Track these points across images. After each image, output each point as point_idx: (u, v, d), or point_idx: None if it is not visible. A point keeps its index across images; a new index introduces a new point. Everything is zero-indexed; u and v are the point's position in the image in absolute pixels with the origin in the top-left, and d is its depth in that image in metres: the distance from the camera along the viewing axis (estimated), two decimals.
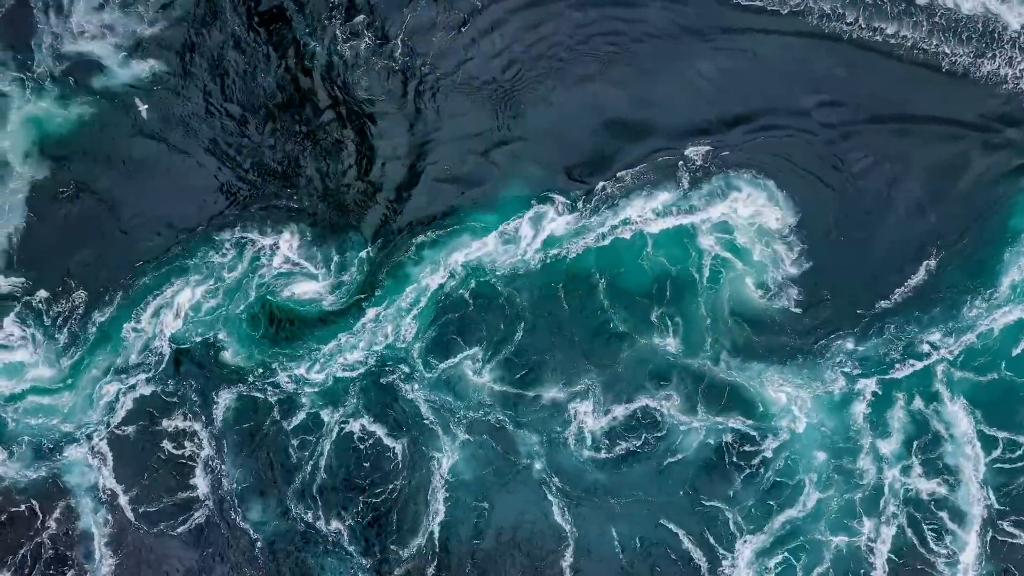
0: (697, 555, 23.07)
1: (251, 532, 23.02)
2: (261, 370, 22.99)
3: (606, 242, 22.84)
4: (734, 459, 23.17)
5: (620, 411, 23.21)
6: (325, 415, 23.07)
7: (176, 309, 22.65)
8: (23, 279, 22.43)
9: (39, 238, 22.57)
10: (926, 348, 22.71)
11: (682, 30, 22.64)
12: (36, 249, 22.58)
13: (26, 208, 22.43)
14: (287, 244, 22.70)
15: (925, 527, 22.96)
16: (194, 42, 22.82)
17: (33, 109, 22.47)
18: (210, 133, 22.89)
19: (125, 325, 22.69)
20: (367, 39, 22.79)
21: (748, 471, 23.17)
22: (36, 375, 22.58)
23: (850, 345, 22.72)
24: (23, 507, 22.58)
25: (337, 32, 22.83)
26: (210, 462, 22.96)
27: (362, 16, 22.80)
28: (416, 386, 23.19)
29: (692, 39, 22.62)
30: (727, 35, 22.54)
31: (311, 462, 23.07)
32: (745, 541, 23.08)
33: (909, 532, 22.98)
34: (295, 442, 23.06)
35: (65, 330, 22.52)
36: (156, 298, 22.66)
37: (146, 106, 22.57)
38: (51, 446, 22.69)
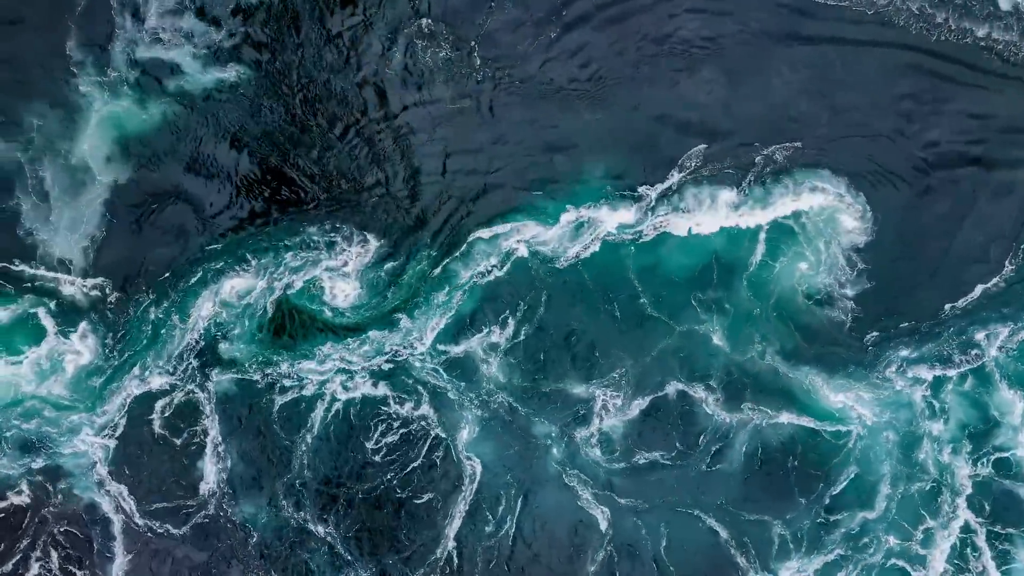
0: (743, 563, 23.07)
1: (251, 528, 22.95)
2: (270, 365, 22.82)
3: (665, 235, 22.75)
4: (779, 463, 23.08)
5: (651, 402, 23.06)
6: (338, 406, 22.90)
7: (216, 305, 22.57)
8: (99, 281, 22.28)
9: (117, 241, 22.41)
10: (989, 350, 22.65)
11: (767, 31, 22.39)
12: (113, 252, 22.42)
13: (105, 210, 22.29)
14: (355, 248, 22.59)
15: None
16: (273, 48, 22.62)
17: (112, 110, 22.26)
18: (287, 137, 22.70)
19: (173, 323, 22.58)
20: (444, 43, 22.55)
21: (798, 478, 23.07)
22: (79, 374, 22.41)
23: (905, 352, 22.65)
24: (22, 506, 22.37)
25: (415, 37, 22.61)
26: (217, 459, 22.76)
27: (440, 21, 22.56)
28: (446, 377, 23.11)
29: (777, 40, 22.38)
30: (813, 35, 22.30)
31: (324, 457, 22.99)
32: (797, 555, 23.04)
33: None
34: (309, 438, 22.93)
35: (122, 331, 22.41)
36: (204, 297, 22.55)
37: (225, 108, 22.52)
38: (53, 444, 22.46)
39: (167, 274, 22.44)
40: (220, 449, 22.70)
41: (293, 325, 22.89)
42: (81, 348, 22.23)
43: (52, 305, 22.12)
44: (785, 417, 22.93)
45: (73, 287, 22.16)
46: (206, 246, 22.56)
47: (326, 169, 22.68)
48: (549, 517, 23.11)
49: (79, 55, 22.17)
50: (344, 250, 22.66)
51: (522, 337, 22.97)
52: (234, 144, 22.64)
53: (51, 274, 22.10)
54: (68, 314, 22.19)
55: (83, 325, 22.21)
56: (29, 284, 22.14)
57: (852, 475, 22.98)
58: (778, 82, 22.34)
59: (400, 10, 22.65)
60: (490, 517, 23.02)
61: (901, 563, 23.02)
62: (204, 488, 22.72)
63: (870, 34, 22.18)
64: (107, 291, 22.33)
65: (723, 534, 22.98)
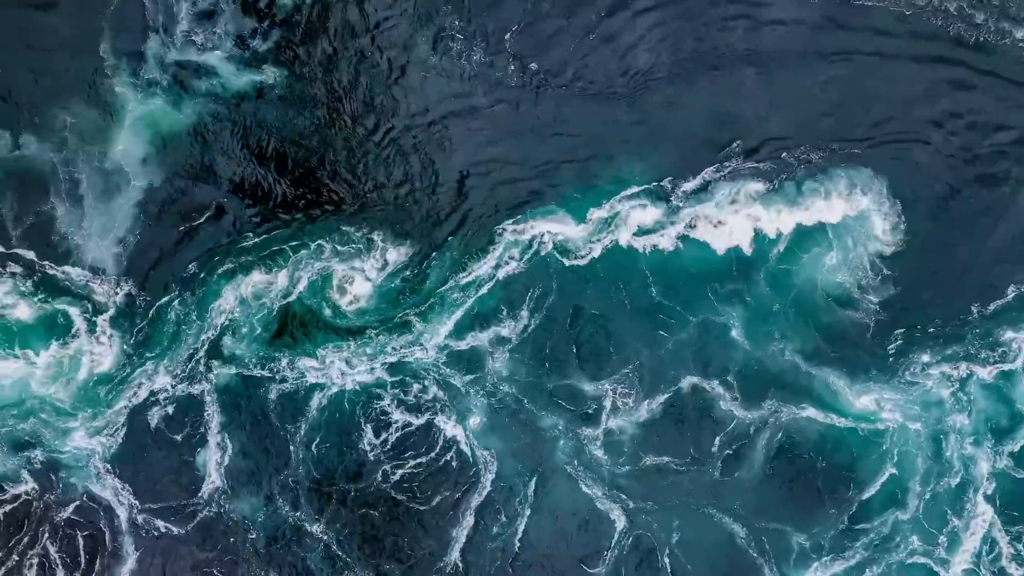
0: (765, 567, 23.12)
1: (251, 526, 22.90)
2: (273, 362, 22.77)
3: (694, 232, 22.69)
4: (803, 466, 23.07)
5: (667, 399, 23.03)
6: (345, 404, 22.87)
7: (235, 303, 22.57)
8: (128, 286, 22.25)
9: (148, 244, 22.34)
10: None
11: (808, 31, 22.26)
12: (144, 255, 22.34)
13: (139, 212, 22.21)
14: (383, 248, 22.65)
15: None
16: (307, 50, 22.49)
17: (147, 110, 22.15)
18: (321, 139, 22.59)
19: (192, 321, 22.58)
20: (479, 45, 22.41)
21: (825, 481, 23.03)
22: (93, 378, 22.38)
23: (927, 357, 22.64)
24: (21, 502, 22.33)
25: (450, 40, 22.46)
26: (218, 456, 22.73)
27: (475, 22, 22.41)
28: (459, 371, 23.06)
29: (818, 40, 22.27)
30: (853, 36, 22.16)
31: (337, 452, 22.99)
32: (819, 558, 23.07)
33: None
34: (319, 435, 22.92)
35: (144, 333, 22.42)
36: (226, 297, 22.54)
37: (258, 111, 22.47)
38: (54, 442, 22.39)
39: (193, 273, 22.41)
40: (220, 446, 22.62)
41: (295, 324, 22.80)
42: (101, 351, 22.16)
43: (79, 308, 22.04)
44: (810, 413, 22.91)
45: (101, 290, 22.10)
46: (235, 245, 22.50)
47: (358, 171, 22.58)
48: (561, 514, 23.12)
49: (112, 57, 22.01)
50: (374, 250, 22.63)
51: (535, 332, 22.90)
52: (268, 145, 22.53)
53: (81, 278, 22.04)
54: (94, 316, 22.10)
55: (108, 328, 22.14)
56: (59, 286, 22.06)
57: (887, 475, 22.96)
58: (815, 84, 22.28)
59: (436, 11, 22.50)
60: (501, 517, 23.02)
61: (924, 560, 23.07)
62: (204, 487, 22.64)
63: (909, 35, 22.07)
64: (135, 294, 22.26)
65: (741, 536, 23.02)
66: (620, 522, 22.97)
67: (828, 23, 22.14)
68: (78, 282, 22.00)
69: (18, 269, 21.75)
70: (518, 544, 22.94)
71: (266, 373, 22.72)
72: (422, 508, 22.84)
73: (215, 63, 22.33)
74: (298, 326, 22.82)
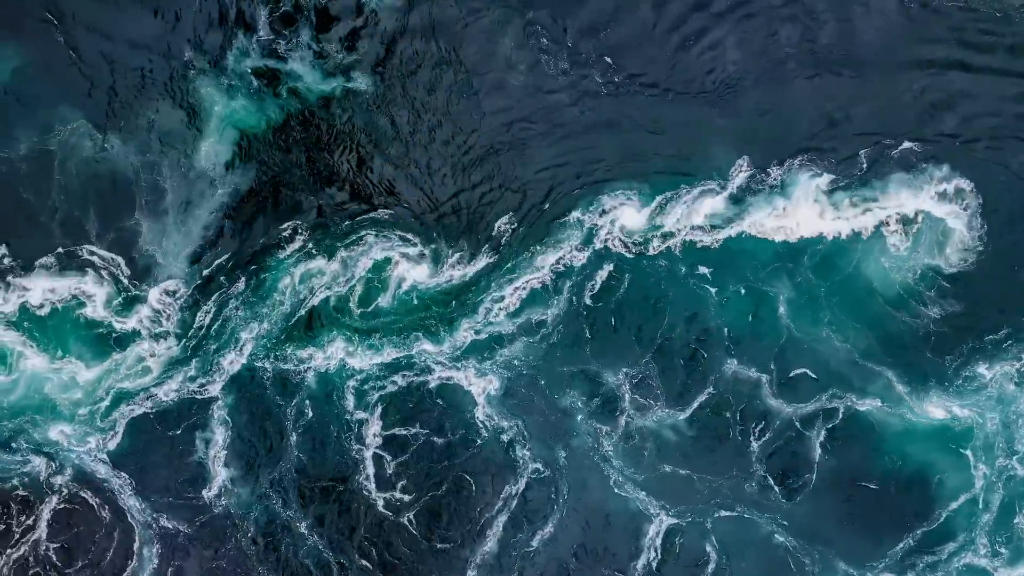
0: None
1: (251, 525, 22.73)
2: (290, 358, 22.67)
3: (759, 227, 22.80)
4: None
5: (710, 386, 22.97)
6: (350, 403, 22.76)
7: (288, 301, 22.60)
8: (193, 288, 22.29)
9: (224, 248, 22.39)
10: None
11: (898, 31, 22.62)
12: (227, 254, 22.43)
13: (221, 214, 22.26)
14: (449, 252, 22.81)
15: None
16: (390, 57, 22.57)
17: (230, 114, 22.19)
18: (403, 144, 22.68)
19: (244, 325, 22.57)
20: (564, 52, 22.57)
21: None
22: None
23: (984, 367, 22.66)
24: (20, 498, 22.13)
25: (539, 49, 22.60)
26: (222, 454, 22.59)
27: (558, 28, 22.59)
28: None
29: (908, 41, 22.62)
30: (947, 36, 22.56)
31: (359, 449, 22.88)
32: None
33: None
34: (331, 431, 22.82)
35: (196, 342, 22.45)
36: (283, 302, 22.51)
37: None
38: (57, 440, 22.23)
39: (260, 279, 22.47)
40: (228, 442, 22.47)
41: (322, 320, 22.73)
42: (154, 364, 22.20)
43: (139, 316, 22.08)
44: (870, 403, 22.85)
45: (161, 300, 22.15)
46: (302, 250, 22.54)
47: (437, 172, 22.65)
48: (591, 516, 22.97)
49: (196, 57, 22.06)
50: (438, 253, 22.71)
51: (578, 322, 22.84)
52: (350, 150, 22.56)
53: (156, 291, 22.11)
54: (156, 326, 22.16)
55: (169, 340, 22.22)
56: (127, 295, 22.06)
57: (961, 499, 22.79)
58: (903, 86, 22.55)
59: (520, 15, 22.62)
60: (535, 517, 22.90)
61: (983, 563, 22.94)
62: (208, 485, 22.49)
63: (999, 35, 22.49)
64: (202, 304, 22.28)
65: (788, 544, 22.93)
66: (655, 526, 22.89)
67: (921, 24, 22.56)
68: (144, 291, 22.08)
69: (98, 272, 21.89)
70: (545, 546, 22.89)
71: (292, 367, 22.60)
72: (459, 500, 22.78)
73: (297, 67, 22.29)
74: (328, 322, 22.73)
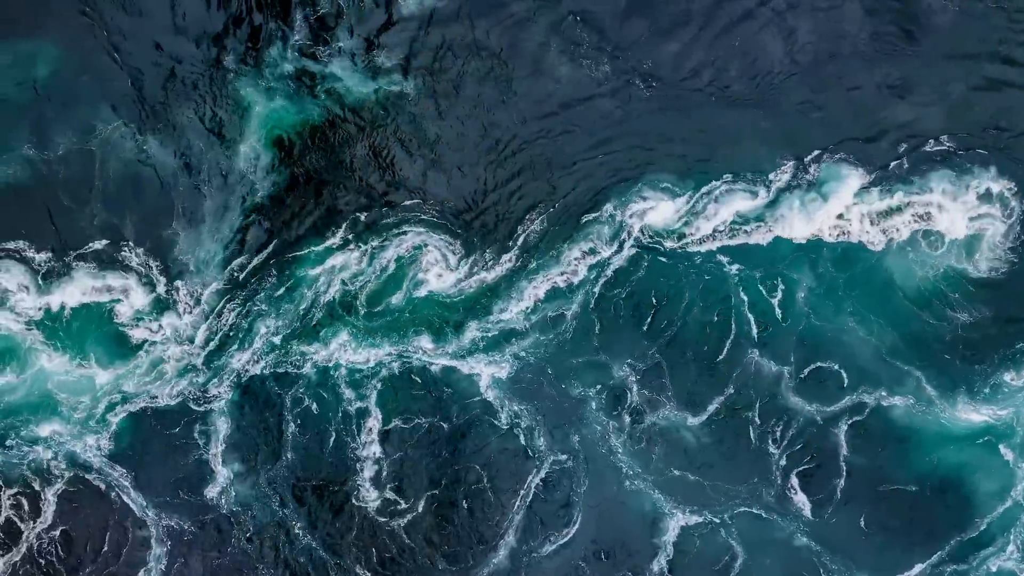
0: None
1: (250, 525, 22.57)
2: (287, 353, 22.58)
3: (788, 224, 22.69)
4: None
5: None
6: (354, 401, 22.60)
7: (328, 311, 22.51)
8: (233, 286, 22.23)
9: (266, 243, 22.28)
10: None
11: (957, 34, 22.64)
12: (260, 258, 22.27)
13: (258, 217, 22.16)
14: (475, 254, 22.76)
15: None
16: (431, 61, 22.50)
17: (270, 111, 22.11)
18: (446, 147, 22.63)
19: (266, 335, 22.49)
20: (604, 54, 22.53)
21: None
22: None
23: (1010, 375, 22.61)
24: (20, 497, 21.96)
25: (580, 56, 22.57)
26: (223, 453, 22.47)
27: (594, 32, 22.54)
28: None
29: (970, 42, 22.64)
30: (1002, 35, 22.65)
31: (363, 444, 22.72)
32: None
33: None
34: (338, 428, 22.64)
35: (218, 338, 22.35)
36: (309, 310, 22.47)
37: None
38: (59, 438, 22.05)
39: (289, 284, 22.33)
40: (230, 440, 22.31)
41: (334, 318, 22.53)
42: (171, 368, 22.04)
43: (166, 322, 21.91)
44: (899, 400, 22.71)
45: (196, 307, 22.00)
46: (336, 250, 22.37)
47: (469, 178, 22.60)
48: (611, 513, 22.86)
49: (235, 59, 21.99)
50: (469, 252, 22.62)
51: (598, 318, 22.73)
52: (388, 152, 22.44)
53: (186, 296, 21.93)
54: (182, 331, 22.01)
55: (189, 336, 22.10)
56: (158, 300, 21.87)
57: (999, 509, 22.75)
58: (959, 85, 22.58)
59: (561, 18, 22.62)
60: (557, 517, 22.79)
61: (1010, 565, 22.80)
62: (210, 483, 22.29)
63: None
64: (228, 311, 22.11)
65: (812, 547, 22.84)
66: (671, 527, 22.80)
67: (983, 31, 22.59)
68: (174, 296, 21.91)
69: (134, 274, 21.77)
70: (566, 544, 22.76)
71: (294, 365, 22.44)
72: (475, 501, 22.60)
73: (336, 68, 22.18)
74: (336, 318, 22.59)
